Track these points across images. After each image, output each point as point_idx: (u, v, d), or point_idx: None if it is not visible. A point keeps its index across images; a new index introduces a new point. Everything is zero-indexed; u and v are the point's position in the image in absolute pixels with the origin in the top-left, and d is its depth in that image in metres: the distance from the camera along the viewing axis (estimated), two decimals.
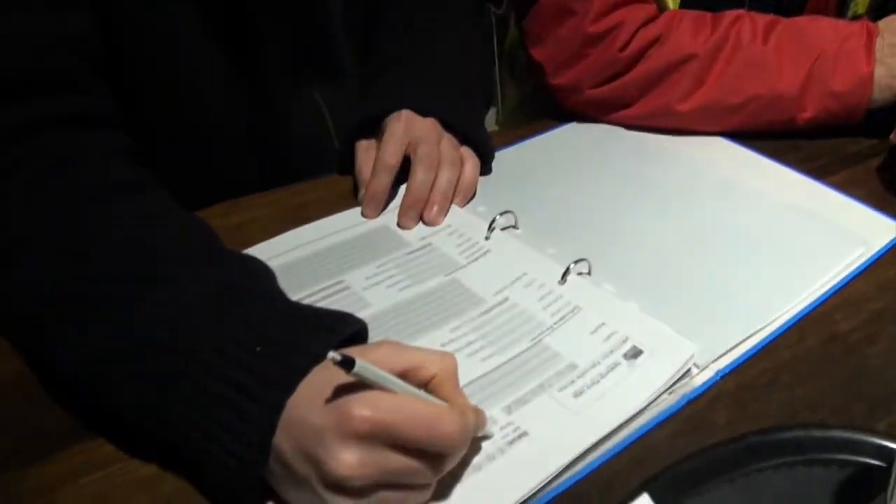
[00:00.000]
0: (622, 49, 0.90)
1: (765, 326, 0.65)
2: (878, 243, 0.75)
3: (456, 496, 0.51)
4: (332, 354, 0.42)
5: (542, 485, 0.51)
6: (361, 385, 0.45)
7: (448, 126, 0.82)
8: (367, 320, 0.60)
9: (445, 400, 0.49)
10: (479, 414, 0.51)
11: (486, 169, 0.85)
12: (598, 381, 0.58)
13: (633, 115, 0.94)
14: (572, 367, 0.60)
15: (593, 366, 0.59)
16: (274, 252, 0.72)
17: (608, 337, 0.62)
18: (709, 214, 0.79)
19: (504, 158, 0.89)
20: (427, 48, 0.91)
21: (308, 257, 0.72)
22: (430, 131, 0.79)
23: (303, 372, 0.47)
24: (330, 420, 0.44)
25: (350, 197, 0.82)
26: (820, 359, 0.63)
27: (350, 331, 0.51)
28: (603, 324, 0.63)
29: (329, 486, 0.45)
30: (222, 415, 0.47)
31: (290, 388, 0.47)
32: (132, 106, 0.73)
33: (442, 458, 0.48)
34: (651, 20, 0.92)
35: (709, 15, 0.92)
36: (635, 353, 0.60)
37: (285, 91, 0.85)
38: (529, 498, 0.51)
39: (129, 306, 0.52)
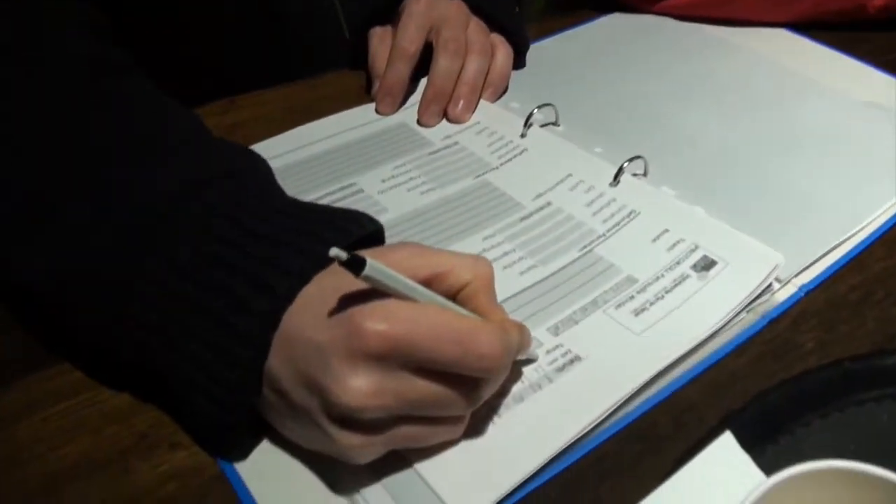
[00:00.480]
0: None
1: (852, 235, 0.55)
2: None
3: (493, 433, 0.42)
4: (335, 251, 0.33)
5: (599, 419, 0.42)
6: (376, 293, 0.36)
7: (477, 10, 0.70)
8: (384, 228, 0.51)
9: (480, 314, 0.40)
10: (522, 331, 0.42)
11: (519, 62, 0.74)
12: (663, 297, 0.48)
13: (685, 3, 0.82)
14: (631, 280, 0.50)
15: (656, 279, 0.50)
16: (274, 152, 0.62)
17: (673, 245, 0.52)
18: (777, 112, 0.68)
19: (539, 51, 0.78)
20: None
21: (313, 158, 0.62)
22: (456, 14, 0.68)
23: (303, 278, 0.38)
24: (336, 336, 0.35)
25: (363, 93, 0.72)
26: None
27: (363, 232, 0.41)
28: (666, 230, 0.53)
29: (335, 418, 0.36)
30: (201, 330, 0.38)
31: (287, 298, 0.37)
32: None
33: (477, 385, 0.38)
34: None
35: None
36: (707, 265, 0.50)
37: None
38: (584, 435, 0.42)
39: (96, 196, 0.42)
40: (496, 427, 0.42)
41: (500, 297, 0.48)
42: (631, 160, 0.57)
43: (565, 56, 0.78)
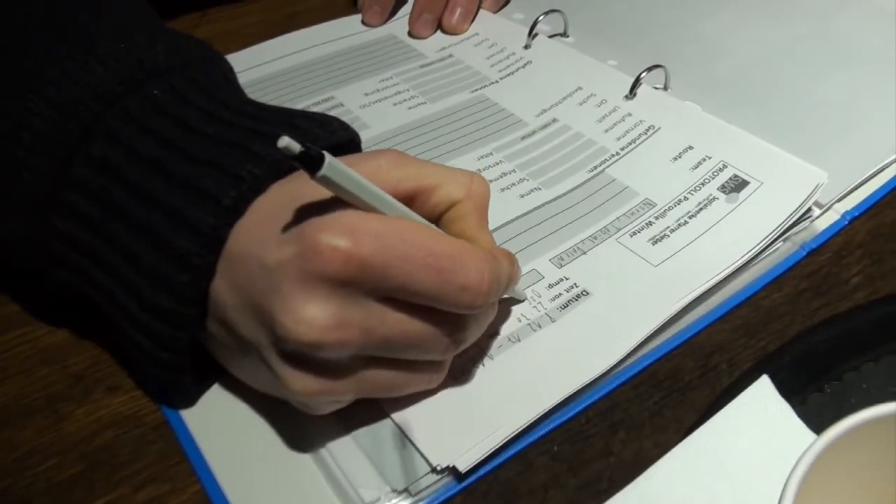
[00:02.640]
0: None
1: None
2: None
3: (485, 378, 0.35)
4: (286, 141, 0.25)
5: (611, 365, 0.35)
6: (340, 204, 0.29)
7: None
8: (364, 145, 0.45)
9: (466, 240, 0.33)
10: (512, 262, 0.35)
11: None
12: (686, 223, 0.41)
13: None
14: (648, 204, 0.43)
15: (678, 202, 0.43)
16: (246, 64, 0.55)
17: (698, 164, 0.45)
18: (813, 22, 0.60)
19: None
20: None
21: (289, 70, 0.55)
22: None
23: (255, 186, 0.31)
24: (288, 255, 0.28)
25: (349, 6, 0.65)
26: None
27: (331, 139, 0.34)
28: (690, 147, 0.46)
29: (286, 356, 0.29)
30: (134, 249, 0.32)
31: (234, 209, 0.30)
32: None
33: (459, 324, 0.32)
34: None
35: None
36: (737, 185, 0.43)
37: None
38: (592, 382, 0.35)
39: (14, 93, 0.35)
40: (488, 371, 0.35)
41: (495, 224, 0.42)
42: (650, 69, 0.50)
43: None
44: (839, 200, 0.45)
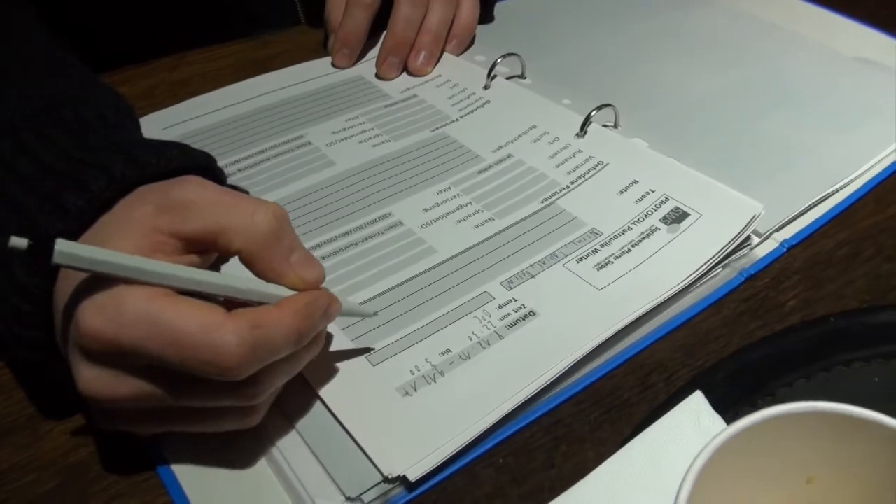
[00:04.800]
0: None
1: (838, 189, 0.51)
2: None
3: (435, 393, 0.37)
4: (14, 241, 0.27)
5: (553, 379, 0.38)
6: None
7: None
8: (330, 181, 0.49)
9: (268, 280, 0.34)
10: (310, 311, 0.34)
11: (486, 15, 0.70)
12: (629, 251, 0.44)
13: None
14: (594, 233, 0.45)
15: (622, 232, 0.45)
16: (223, 103, 0.58)
17: (642, 197, 0.47)
18: (759, 64, 0.64)
19: (509, 4, 0.73)
20: None
21: (261, 110, 0.57)
22: None
23: (81, 218, 0.34)
24: (72, 326, 0.32)
25: (320, 49, 0.67)
26: None
27: (162, 166, 0.36)
28: (635, 181, 0.48)
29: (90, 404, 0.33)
30: None
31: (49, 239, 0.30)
32: None
33: (244, 381, 0.32)
34: None
35: None
36: (678, 216, 0.46)
37: None
38: (537, 397, 0.37)
39: None
40: (438, 386, 0.37)
41: (452, 252, 0.44)
42: (599, 108, 0.53)
43: (536, 8, 0.73)
44: (777, 230, 0.48)
